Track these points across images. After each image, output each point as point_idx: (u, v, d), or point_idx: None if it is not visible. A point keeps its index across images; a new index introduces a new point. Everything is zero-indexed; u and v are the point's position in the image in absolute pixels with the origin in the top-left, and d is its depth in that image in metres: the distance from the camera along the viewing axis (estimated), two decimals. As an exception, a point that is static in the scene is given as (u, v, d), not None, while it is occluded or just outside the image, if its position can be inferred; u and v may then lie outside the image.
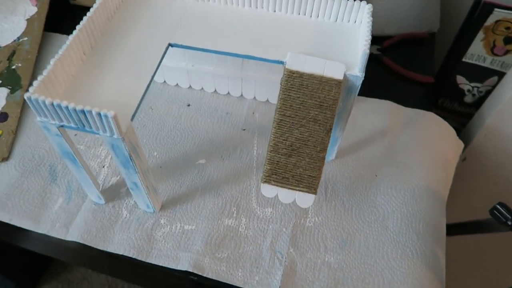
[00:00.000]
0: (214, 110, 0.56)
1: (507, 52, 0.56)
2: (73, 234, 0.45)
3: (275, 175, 0.41)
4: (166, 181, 0.49)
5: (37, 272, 1.16)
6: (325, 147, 0.40)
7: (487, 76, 0.59)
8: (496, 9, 0.53)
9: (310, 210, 0.47)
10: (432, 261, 0.44)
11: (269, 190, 0.41)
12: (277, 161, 0.41)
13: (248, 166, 0.51)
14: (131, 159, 0.37)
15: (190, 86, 0.58)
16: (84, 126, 0.35)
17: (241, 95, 0.58)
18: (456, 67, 0.60)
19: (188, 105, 0.57)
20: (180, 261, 0.44)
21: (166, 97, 0.58)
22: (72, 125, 0.35)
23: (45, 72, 0.35)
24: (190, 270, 0.43)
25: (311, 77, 0.40)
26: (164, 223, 0.46)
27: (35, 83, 0.34)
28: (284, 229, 0.46)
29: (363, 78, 0.40)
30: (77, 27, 0.39)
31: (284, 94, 0.40)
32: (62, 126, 0.35)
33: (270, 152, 0.41)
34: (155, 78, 0.59)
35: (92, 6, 0.41)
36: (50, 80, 0.35)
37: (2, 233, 0.52)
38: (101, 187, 0.49)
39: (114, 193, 0.48)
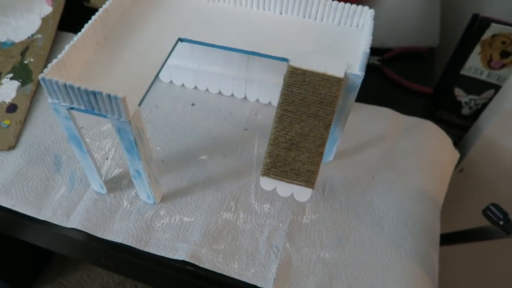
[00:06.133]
0: (218, 110, 0.58)
1: (503, 66, 0.58)
2: (74, 221, 0.46)
3: (274, 168, 0.42)
4: (167, 175, 0.50)
5: (31, 276, 1.15)
6: (324, 142, 0.42)
7: (484, 89, 0.61)
8: (492, 24, 0.55)
9: (307, 208, 0.48)
10: (426, 261, 0.45)
11: (268, 183, 0.42)
12: (277, 155, 0.42)
13: (248, 163, 0.52)
14: (136, 144, 0.38)
15: (195, 87, 0.60)
16: (93, 108, 0.36)
17: (245, 97, 0.59)
18: (454, 79, 0.61)
19: (193, 104, 0.58)
20: (177, 251, 0.44)
21: (172, 96, 0.59)
22: (82, 107, 0.36)
23: (59, 56, 0.37)
24: (187, 260, 0.43)
25: (313, 74, 0.41)
26: (163, 214, 0.47)
27: (49, 65, 0.36)
28: (281, 224, 0.47)
29: (363, 77, 0.41)
30: (92, 17, 0.41)
31: (287, 90, 0.42)
32: (72, 108, 0.37)
33: (270, 145, 0.42)
34: (162, 78, 0.61)
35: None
36: (64, 64, 0.37)
37: (3, 224, 0.52)
38: (104, 178, 0.50)
39: (116, 184, 0.49)
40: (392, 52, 0.68)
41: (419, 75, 0.68)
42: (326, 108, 0.41)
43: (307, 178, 0.42)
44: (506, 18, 0.55)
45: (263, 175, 0.42)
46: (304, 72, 0.41)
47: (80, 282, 1.16)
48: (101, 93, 0.34)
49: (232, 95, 0.59)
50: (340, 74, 0.41)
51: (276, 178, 0.42)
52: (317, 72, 0.41)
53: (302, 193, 0.42)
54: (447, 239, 0.51)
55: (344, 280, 0.43)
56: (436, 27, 0.69)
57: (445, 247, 0.59)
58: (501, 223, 0.41)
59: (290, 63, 0.42)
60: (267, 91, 0.58)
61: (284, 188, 0.42)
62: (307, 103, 0.41)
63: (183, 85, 0.60)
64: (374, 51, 0.68)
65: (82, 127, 0.55)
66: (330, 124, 0.41)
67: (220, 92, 0.60)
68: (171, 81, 0.61)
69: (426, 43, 0.70)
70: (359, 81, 0.42)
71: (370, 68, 0.67)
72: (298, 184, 0.41)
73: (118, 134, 0.38)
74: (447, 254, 0.64)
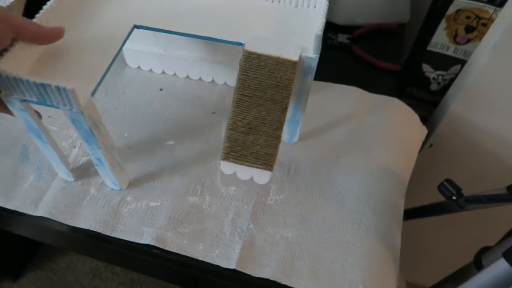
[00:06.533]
0: (186, 94, 0.58)
1: (468, 41, 0.58)
2: (42, 210, 0.47)
3: (234, 152, 0.43)
4: (134, 161, 0.51)
5: (21, 261, 1.17)
6: (281, 126, 0.42)
7: (451, 64, 0.61)
8: (456, -1, 0.55)
9: (272, 189, 0.49)
10: (386, 237, 0.46)
11: (228, 167, 0.43)
12: (236, 139, 0.42)
13: (216, 147, 0.53)
14: (92, 133, 0.39)
15: (163, 72, 0.60)
16: (45, 100, 0.36)
17: (213, 80, 0.59)
18: (421, 55, 0.62)
19: (161, 90, 0.58)
20: (143, 235, 0.45)
21: (140, 81, 0.59)
22: (34, 99, 0.36)
23: (10, 49, 0.36)
24: (153, 243, 0.44)
25: (268, 58, 0.41)
26: (130, 200, 0.48)
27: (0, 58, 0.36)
28: (245, 206, 0.48)
29: (317, 60, 0.41)
30: (44, 7, 0.40)
31: (243, 75, 0.42)
32: (25, 100, 0.37)
33: (229, 130, 0.43)
34: (130, 63, 0.61)
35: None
36: (15, 56, 0.37)
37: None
38: (71, 166, 0.50)
39: (83, 172, 0.50)
40: (361, 29, 0.68)
41: (389, 52, 0.68)
42: (282, 91, 0.42)
43: (266, 161, 0.42)
44: (470, -7, 0.55)
45: (223, 159, 0.43)
46: (259, 56, 0.42)
47: (70, 265, 1.19)
48: (49, 85, 0.34)
49: (200, 78, 0.60)
50: (295, 58, 0.41)
51: (236, 162, 0.42)
52: (272, 56, 0.41)
53: (261, 176, 0.43)
54: (409, 214, 0.53)
55: (306, 258, 0.44)
56: (406, 2, 0.69)
57: (415, 222, 0.60)
58: (454, 198, 0.42)
59: (245, 48, 0.42)
60: (235, 74, 0.57)
61: (244, 172, 0.43)
62: (263, 87, 0.42)
63: (151, 70, 0.60)
64: (343, 29, 0.68)
65: (49, 116, 0.55)
66: (286, 108, 0.42)
67: (188, 76, 0.60)
68: (139, 67, 0.60)
69: (396, 19, 0.69)
70: (314, 64, 0.42)
71: (339, 47, 0.67)
72: (257, 168, 0.42)
73: (73, 124, 0.38)
74: (416, 229, 0.66)
